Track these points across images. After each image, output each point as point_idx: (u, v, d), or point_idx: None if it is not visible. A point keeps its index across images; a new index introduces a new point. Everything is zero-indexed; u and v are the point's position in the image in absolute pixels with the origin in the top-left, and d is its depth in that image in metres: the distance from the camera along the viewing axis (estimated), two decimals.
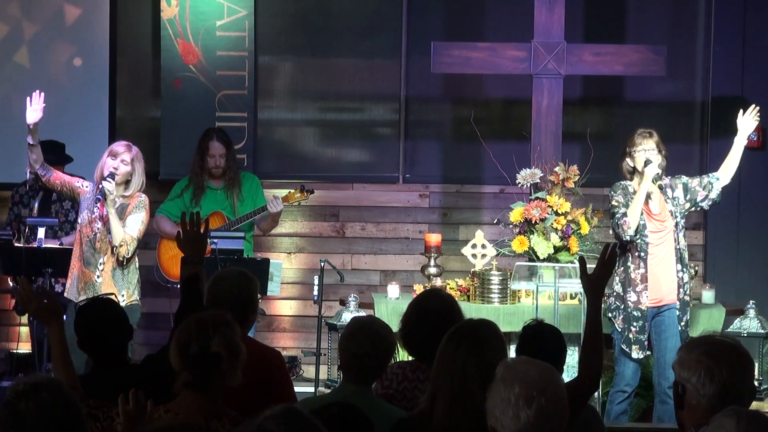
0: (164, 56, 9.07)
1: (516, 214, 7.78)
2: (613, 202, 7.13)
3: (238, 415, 3.95)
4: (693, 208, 7.31)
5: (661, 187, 7.07)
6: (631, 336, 7.07)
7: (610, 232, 7.37)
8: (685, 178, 7.28)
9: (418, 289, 7.84)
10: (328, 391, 7.16)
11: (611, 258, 4.40)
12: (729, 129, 9.02)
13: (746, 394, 3.38)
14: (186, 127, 8.95)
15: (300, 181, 8.92)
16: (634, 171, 7.17)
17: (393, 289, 7.92)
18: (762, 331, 7.52)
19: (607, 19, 9.22)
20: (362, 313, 7.37)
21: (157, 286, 8.64)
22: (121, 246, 7.15)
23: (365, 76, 9.33)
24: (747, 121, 7.33)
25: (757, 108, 7.40)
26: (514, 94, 9.05)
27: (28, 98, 7.32)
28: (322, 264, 7.81)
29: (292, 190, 8.23)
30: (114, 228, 7.12)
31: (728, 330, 7.61)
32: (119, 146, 7.29)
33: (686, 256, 7.19)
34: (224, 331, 3.98)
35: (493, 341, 3.80)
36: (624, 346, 7.08)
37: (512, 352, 7.65)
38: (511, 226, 7.83)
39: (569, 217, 7.75)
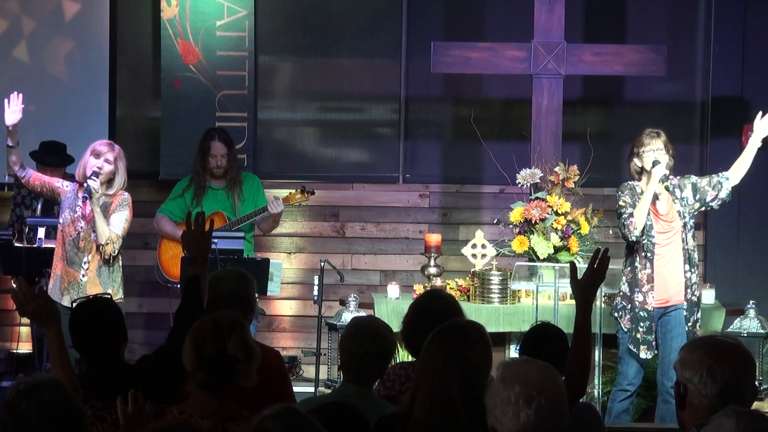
0: (164, 56, 9.07)
1: (516, 214, 7.79)
2: (620, 203, 7.11)
3: (252, 416, 3.95)
4: (703, 208, 7.27)
5: (667, 188, 7.04)
6: (639, 336, 7.06)
7: (610, 232, 7.38)
8: (694, 178, 7.25)
9: (418, 289, 7.85)
10: (329, 391, 7.16)
11: (602, 264, 4.33)
12: (729, 129, 9.05)
13: (748, 394, 3.38)
14: (186, 127, 8.95)
15: (300, 181, 8.92)
16: (641, 171, 7.14)
17: (393, 289, 7.92)
18: (762, 331, 7.52)
19: (607, 19, 9.22)
20: (362, 313, 7.37)
21: (157, 286, 8.65)
22: (107, 244, 7.15)
23: (365, 76, 9.33)
24: (765, 124, 7.24)
25: None
26: (514, 94, 9.05)
27: (6, 100, 7.30)
28: (322, 264, 7.81)
29: (293, 191, 8.23)
30: (100, 226, 7.11)
31: (728, 330, 7.61)
32: (102, 146, 7.25)
33: (695, 257, 7.17)
34: (240, 332, 3.98)
35: (476, 343, 3.77)
36: (631, 346, 7.07)
37: (512, 352, 7.69)
38: (511, 226, 7.83)
39: (569, 217, 7.76)
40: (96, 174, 7.13)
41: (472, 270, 7.91)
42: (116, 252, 7.24)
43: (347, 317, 7.33)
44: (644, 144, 7.10)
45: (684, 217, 7.12)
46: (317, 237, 9.38)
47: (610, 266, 7.33)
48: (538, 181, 7.84)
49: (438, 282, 7.91)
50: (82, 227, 7.18)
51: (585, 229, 7.77)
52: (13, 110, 7.27)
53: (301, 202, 8.29)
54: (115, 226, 7.21)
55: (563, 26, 7.96)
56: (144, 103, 9.42)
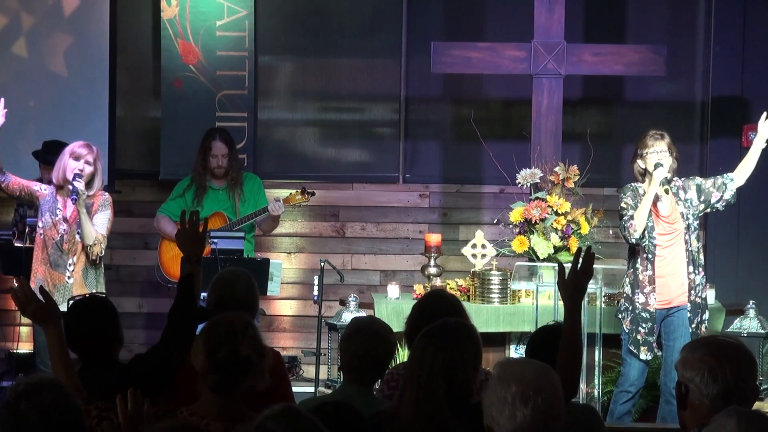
0: (164, 56, 9.07)
1: (516, 214, 7.78)
2: (622, 204, 7.10)
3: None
4: (708, 210, 7.26)
5: (667, 191, 7.03)
6: (639, 337, 7.05)
7: (610, 232, 7.38)
8: (698, 179, 7.24)
9: (418, 289, 7.85)
10: (329, 391, 7.16)
11: (586, 263, 4.25)
12: (729, 129, 9.05)
13: (749, 394, 3.38)
14: (186, 127, 8.96)
15: (300, 181, 8.93)
16: (645, 173, 7.13)
17: (393, 289, 7.92)
18: (762, 331, 7.51)
19: (607, 19, 9.22)
20: (362, 313, 7.37)
21: (158, 286, 8.65)
22: (95, 245, 7.14)
23: (365, 76, 9.33)
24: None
25: None
26: (514, 94, 9.05)
27: None
28: (322, 264, 7.80)
29: (293, 192, 8.23)
30: (87, 228, 7.10)
31: (728, 330, 7.60)
32: (81, 147, 7.20)
33: (700, 258, 7.15)
34: (252, 333, 3.97)
35: (462, 343, 3.76)
36: (632, 347, 7.07)
37: (512, 352, 7.69)
38: (511, 226, 7.83)
39: (569, 217, 7.75)
40: (79, 176, 7.10)
41: (472, 270, 7.90)
42: (103, 252, 7.24)
43: (347, 317, 7.33)
44: (648, 146, 7.08)
45: (687, 219, 7.10)
46: (317, 237, 9.38)
47: (610, 266, 7.37)
48: (538, 181, 7.84)
49: (438, 282, 7.91)
50: (65, 229, 7.16)
51: (585, 229, 7.77)
52: None
53: (302, 203, 8.29)
54: (99, 226, 7.20)
55: (563, 26, 7.96)
56: (144, 103, 9.42)
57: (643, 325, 7.06)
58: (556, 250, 7.70)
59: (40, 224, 7.19)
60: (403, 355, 6.99)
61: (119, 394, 3.55)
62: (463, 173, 9.33)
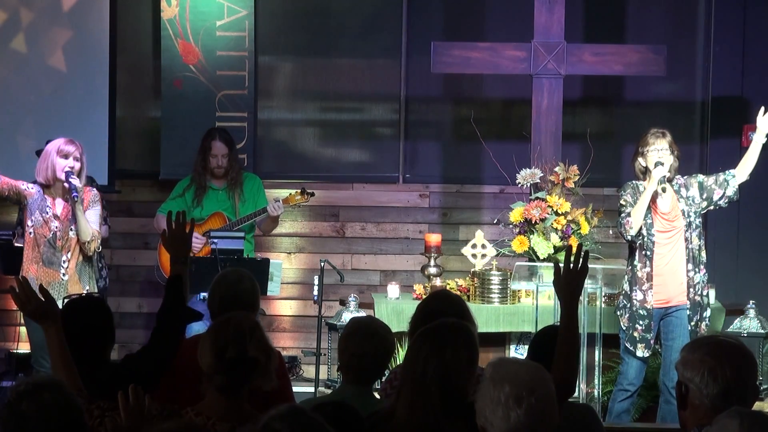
0: (164, 56, 9.07)
1: (516, 214, 7.79)
2: (622, 201, 7.13)
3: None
4: (711, 207, 7.26)
5: (664, 189, 7.03)
6: (636, 334, 7.06)
7: (610, 232, 7.38)
8: (701, 177, 7.25)
9: (418, 289, 7.85)
10: (329, 391, 7.16)
11: (578, 261, 4.19)
12: (729, 129, 9.05)
13: (749, 394, 3.38)
14: (186, 127, 8.96)
15: (300, 181, 8.93)
16: (646, 170, 7.13)
17: (393, 289, 7.92)
18: (762, 331, 7.51)
19: (607, 19, 9.22)
20: (362, 313, 7.37)
21: (158, 286, 8.64)
22: (92, 241, 7.14)
23: (365, 76, 9.33)
24: (766, 120, 7.23)
25: None
26: (514, 94, 9.05)
27: None
28: (322, 264, 7.80)
29: (293, 192, 8.23)
30: (83, 225, 7.08)
31: (728, 330, 7.60)
32: (68, 145, 7.15)
33: (702, 256, 7.16)
34: (260, 334, 3.97)
35: (457, 344, 3.76)
36: (628, 344, 7.08)
37: (512, 352, 7.69)
38: (511, 226, 7.83)
39: (569, 217, 7.76)
40: (71, 174, 7.08)
41: (472, 270, 7.90)
42: (100, 248, 7.26)
43: (347, 317, 7.33)
44: (648, 144, 7.10)
45: (689, 217, 7.11)
46: (317, 237, 9.38)
47: (610, 266, 7.37)
48: (538, 181, 7.84)
49: (438, 282, 7.91)
50: (57, 227, 7.14)
51: (585, 229, 7.77)
52: None
53: (301, 204, 8.29)
54: (93, 222, 7.20)
55: (563, 26, 7.96)
56: (144, 103, 9.42)
57: (641, 322, 7.07)
58: (556, 250, 7.70)
59: (29, 223, 7.15)
60: (402, 354, 7.00)
61: (120, 391, 3.55)
62: (463, 173, 9.33)
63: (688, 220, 7.11)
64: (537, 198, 7.79)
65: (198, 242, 8.01)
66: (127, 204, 9.22)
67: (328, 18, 9.30)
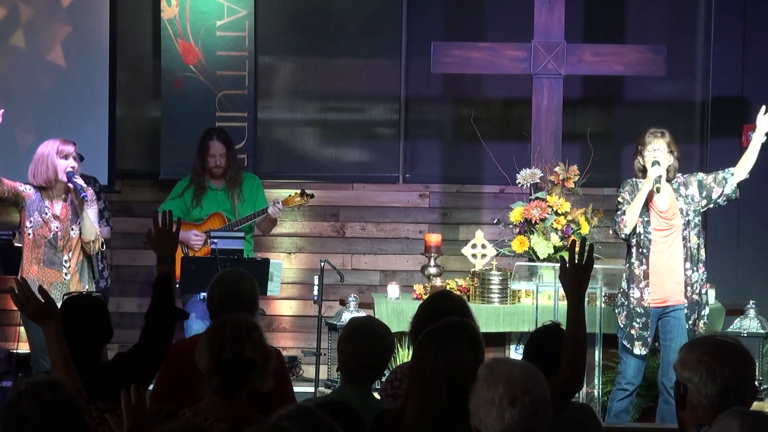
0: (164, 56, 9.07)
1: (516, 214, 7.79)
2: (619, 198, 7.16)
3: (263, 418, 3.94)
4: (710, 205, 7.26)
5: (658, 190, 7.04)
6: (633, 332, 7.08)
7: (610, 232, 7.37)
8: (700, 175, 7.26)
9: (418, 289, 7.85)
10: (329, 391, 7.16)
11: (582, 255, 4.20)
12: (729, 129, 9.05)
13: (747, 395, 3.38)
14: (186, 127, 8.96)
15: (300, 181, 8.93)
16: (644, 169, 7.15)
17: (393, 289, 7.92)
18: (762, 331, 7.51)
19: (607, 19, 9.22)
20: (362, 313, 7.37)
21: None
22: (95, 241, 7.15)
23: (365, 76, 9.33)
24: (766, 119, 7.24)
25: None
26: (514, 94, 9.05)
27: None
28: (322, 264, 7.81)
29: (293, 193, 8.23)
30: (88, 224, 7.09)
31: (728, 330, 7.60)
32: (66, 146, 7.13)
33: (701, 254, 7.16)
34: (257, 335, 3.96)
35: (464, 343, 3.75)
36: (626, 342, 7.09)
37: (512, 352, 7.69)
38: (511, 226, 7.83)
39: (569, 217, 7.76)
40: (73, 174, 7.07)
41: (472, 270, 7.91)
42: (104, 247, 7.27)
43: (347, 317, 7.33)
44: (646, 143, 7.12)
45: (687, 215, 7.12)
46: (317, 237, 9.38)
47: (610, 266, 7.38)
48: (538, 181, 7.84)
49: (438, 282, 7.91)
50: (57, 227, 7.14)
51: (585, 229, 7.78)
52: None
53: (301, 205, 8.29)
54: (93, 221, 7.20)
55: (563, 26, 7.96)
56: (144, 103, 9.42)
57: (638, 320, 7.08)
58: (556, 250, 7.71)
59: (28, 224, 7.13)
60: (402, 354, 7.01)
61: (123, 390, 3.55)
62: (463, 173, 9.33)
63: (686, 218, 7.12)
64: (537, 198, 7.79)
65: (198, 239, 8.03)
66: (127, 204, 9.22)
67: (328, 18, 9.30)
